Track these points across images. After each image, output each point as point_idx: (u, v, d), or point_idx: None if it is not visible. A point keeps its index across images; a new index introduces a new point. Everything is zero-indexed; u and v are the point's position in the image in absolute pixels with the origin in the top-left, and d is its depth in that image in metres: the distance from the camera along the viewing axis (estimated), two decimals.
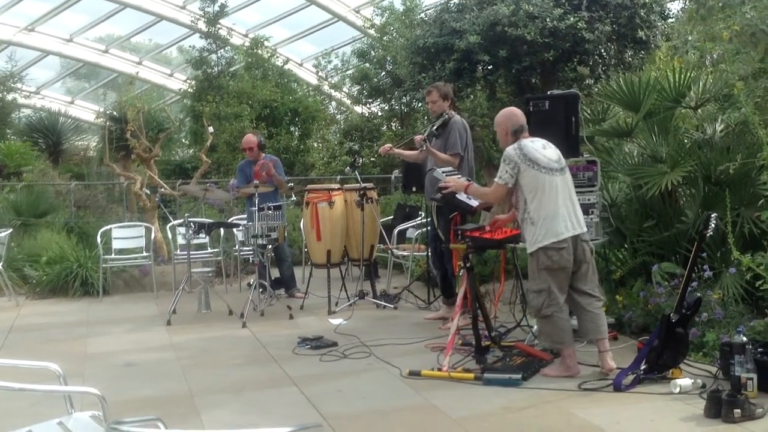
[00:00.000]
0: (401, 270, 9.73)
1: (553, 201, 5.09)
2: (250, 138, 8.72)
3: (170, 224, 9.57)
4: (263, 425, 4.49)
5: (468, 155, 6.96)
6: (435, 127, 6.93)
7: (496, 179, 5.31)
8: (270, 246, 7.65)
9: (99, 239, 9.20)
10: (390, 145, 7.55)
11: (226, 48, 17.99)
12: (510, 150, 5.23)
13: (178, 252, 9.25)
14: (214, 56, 17.70)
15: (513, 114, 5.40)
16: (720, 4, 7.33)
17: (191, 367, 5.82)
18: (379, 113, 17.32)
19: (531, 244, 5.16)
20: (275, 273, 8.91)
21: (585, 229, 5.20)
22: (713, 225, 5.02)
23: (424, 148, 6.75)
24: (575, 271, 5.16)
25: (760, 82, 6.67)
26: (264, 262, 7.88)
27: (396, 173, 12.56)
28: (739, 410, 4.17)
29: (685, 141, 6.86)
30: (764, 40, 6.69)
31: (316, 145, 17.89)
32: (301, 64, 20.35)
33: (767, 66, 6.72)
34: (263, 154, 8.68)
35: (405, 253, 9.18)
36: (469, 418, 4.48)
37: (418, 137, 6.92)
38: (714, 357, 5.18)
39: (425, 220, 8.28)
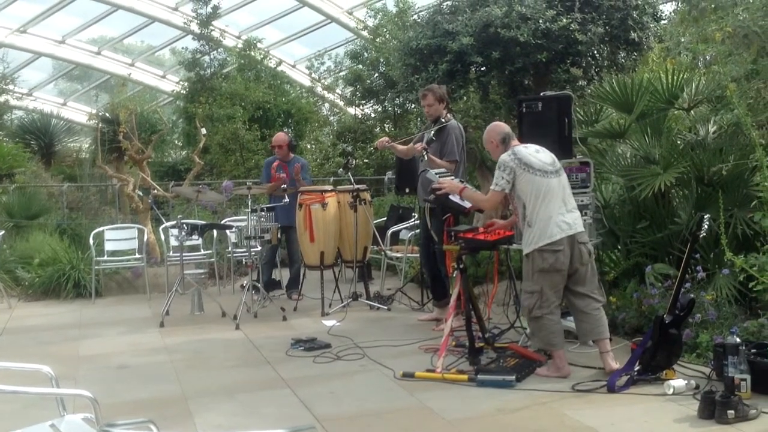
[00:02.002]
0: (395, 271, 9.72)
1: (548, 203, 5.12)
2: (281, 136, 8.83)
3: (163, 226, 9.54)
4: (256, 427, 4.48)
5: (463, 159, 6.97)
6: (432, 134, 6.92)
7: (492, 186, 5.34)
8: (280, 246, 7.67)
9: (91, 241, 9.16)
10: (387, 138, 7.57)
11: (219, 49, 17.95)
12: (504, 156, 5.28)
13: (171, 254, 9.23)
14: (206, 58, 17.65)
15: (495, 125, 5.57)
16: (712, 6, 7.35)
17: (184, 369, 5.80)
18: (373, 115, 17.29)
19: (526, 246, 5.20)
20: (284, 274, 8.91)
21: (581, 230, 5.21)
22: (706, 226, 5.03)
23: (425, 158, 6.73)
24: (572, 273, 5.18)
25: (753, 83, 6.69)
26: (257, 265, 7.87)
27: (389, 174, 12.57)
28: (732, 411, 4.17)
29: (678, 142, 6.87)
30: (757, 42, 6.71)
31: (309, 146, 17.86)
32: (294, 66, 20.31)
33: (760, 67, 6.73)
34: (292, 155, 8.73)
35: (398, 255, 9.18)
36: (463, 420, 4.48)
37: (418, 146, 6.89)
38: (707, 358, 5.19)
39: (418, 221, 8.28)
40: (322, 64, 18.82)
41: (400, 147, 7.36)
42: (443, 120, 6.94)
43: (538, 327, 5.22)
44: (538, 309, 5.15)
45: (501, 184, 5.25)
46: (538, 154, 5.28)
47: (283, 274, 9.06)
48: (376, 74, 16.29)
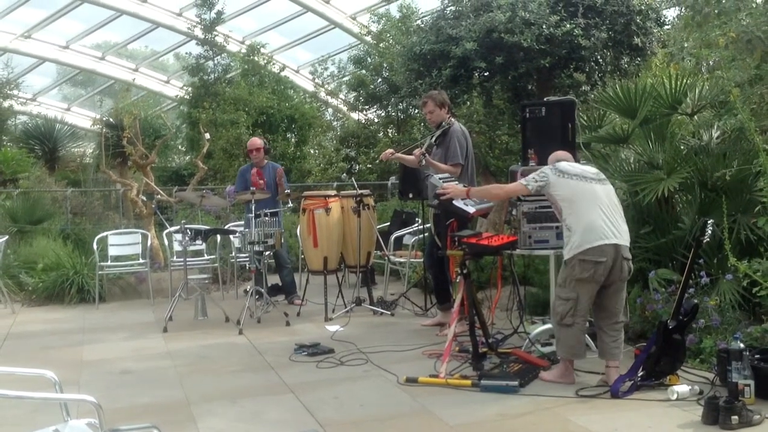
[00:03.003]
0: (398, 276, 9.72)
1: (590, 208, 5.01)
2: (256, 141, 8.83)
3: (167, 231, 9.55)
4: None
5: (469, 164, 6.94)
6: (434, 138, 6.88)
7: (520, 179, 5.34)
8: (268, 252, 7.67)
9: (95, 246, 9.18)
10: (392, 150, 7.55)
11: (223, 55, 18.03)
12: (545, 167, 5.31)
13: (175, 259, 9.22)
14: (210, 63, 17.74)
15: (554, 154, 5.54)
16: (716, 11, 7.33)
17: (188, 375, 5.80)
18: (376, 120, 17.33)
19: (567, 251, 5.07)
20: (274, 279, 8.92)
21: (626, 242, 5.07)
22: (710, 231, 5.03)
23: (423, 162, 6.73)
24: (607, 286, 5.06)
25: (756, 88, 6.68)
26: (260, 269, 7.87)
27: (393, 180, 12.55)
28: (736, 417, 4.16)
29: (682, 147, 6.86)
30: (760, 47, 6.70)
31: (312, 151, 17.92)
32: (297, 71, 20.36)
33: (763, 72, 6.73)
34: (266, 161, 8.71)
35: (402, 260, 9.18)
36: (466, 425, 4.47)
37: (416, 151, 6.88)
38: (711, 363, 5.17)
39: (422, 226, 8.28)
40: (326, 69, 18.87)
41: (407, 157, 7.36)
42: (445, 124, 6.92)
43: (567, 335, 5.13)
44: (570, 317, 5.06)
45: (529, 181, 5.22)
46: (582, 166, 5.34)
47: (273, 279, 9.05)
48: (380, 79, 16.33)
